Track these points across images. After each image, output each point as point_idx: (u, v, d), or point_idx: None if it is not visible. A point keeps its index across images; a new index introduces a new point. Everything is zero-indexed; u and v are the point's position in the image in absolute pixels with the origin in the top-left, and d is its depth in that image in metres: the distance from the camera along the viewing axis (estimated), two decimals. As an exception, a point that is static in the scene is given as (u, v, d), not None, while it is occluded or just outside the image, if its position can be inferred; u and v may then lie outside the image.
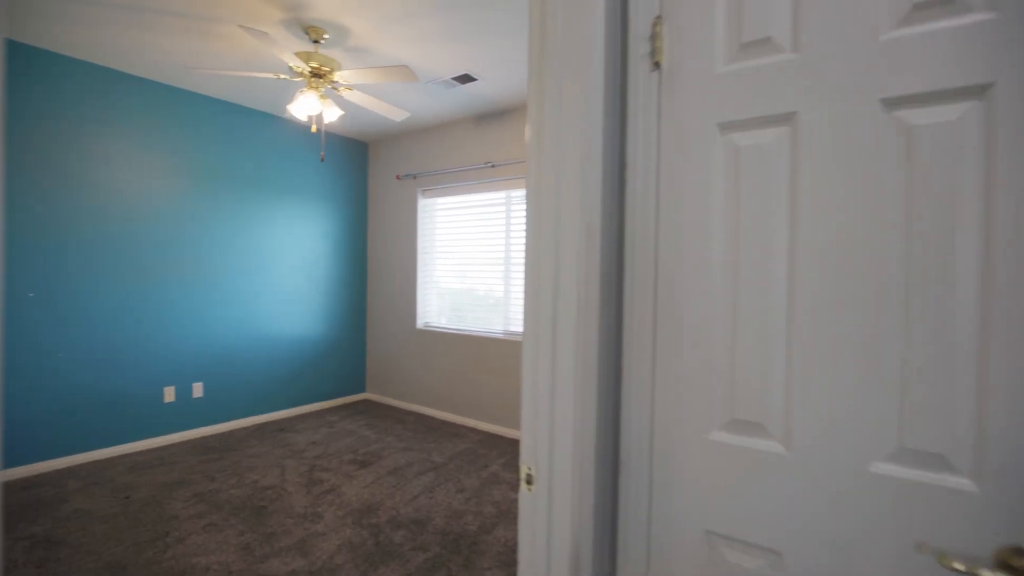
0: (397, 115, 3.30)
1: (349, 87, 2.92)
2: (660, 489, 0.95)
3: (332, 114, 2.96)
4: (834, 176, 0.80)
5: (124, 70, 3.41)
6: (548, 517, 0.91)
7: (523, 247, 4.13)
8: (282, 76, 2.77)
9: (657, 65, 0.97)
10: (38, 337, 3.13)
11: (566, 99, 0.93)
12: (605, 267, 0.95)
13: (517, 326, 4.16)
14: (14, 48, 2.99)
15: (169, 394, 3.73)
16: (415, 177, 4.76)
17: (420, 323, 4.82)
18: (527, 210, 0.98)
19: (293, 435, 4.00)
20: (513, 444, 3.90)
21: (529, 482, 0.94)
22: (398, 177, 4.92)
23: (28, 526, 2.51)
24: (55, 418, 3.20)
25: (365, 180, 5.24)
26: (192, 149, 3.81)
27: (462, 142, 4.43)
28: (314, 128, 3.07)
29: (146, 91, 3.55)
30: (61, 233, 3.21)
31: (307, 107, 2.79)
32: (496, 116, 4.19)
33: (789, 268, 0.84)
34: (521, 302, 4.20)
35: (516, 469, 3.39)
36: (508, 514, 2.75)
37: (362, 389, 5.27)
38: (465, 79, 3.43)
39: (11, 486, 2.94)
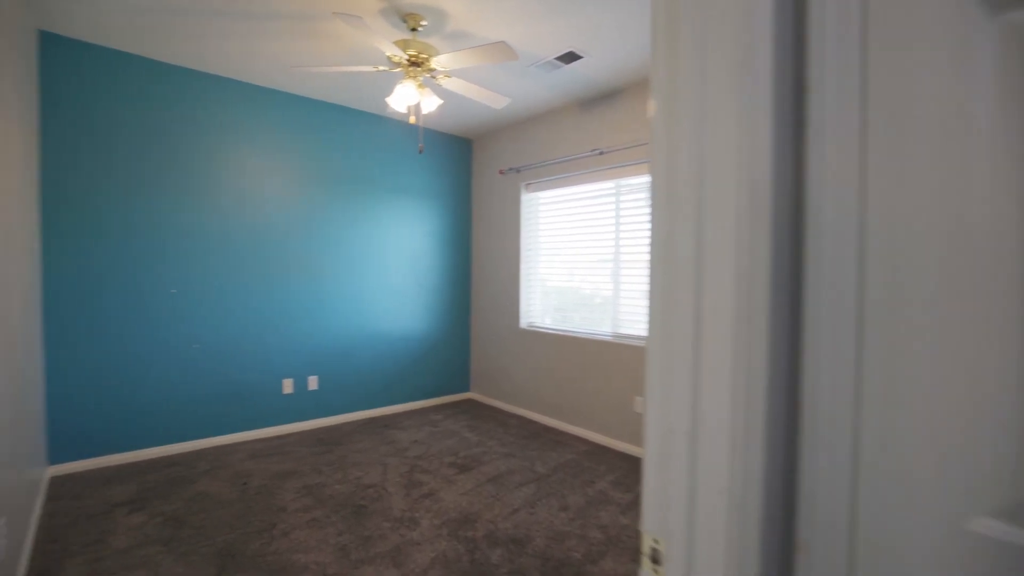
0: (498, 102, 3.12)
1: (447, 74, 2.79)
2: (870, 595, 0.60)
3: (431, 103, 2.86)
4: None
5: (243, 79, 3.64)
6: (685, 620, 0.61)
7: (634, 242, 3.74)
8: (380, 68, 2.72)
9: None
10: (178, 330, 3.43)
11: (713, -3, 0.62)
12: (776, 246, 0.62)
13: (627, 328, 3.78)
14: (148, 67, 3.30)
15: (288, 386, 3.94)
16: (518, 171, 4.59)
17: (524, 323, 4.63)
18: (652, 159, 0.68)
19: (397, 432, 4.02)
20: (622, 458, 3.54)
21: (656, 560, 0.64)
22: (501, 172, 4.78)
23: (162, 504, 2.72)
24: (191, 403, 3.50)
25: (469, 177, 5.18)
26: (303, 151, 3.98)
27: (567, 130, 4.15)
28: (412, 119, 2.99)
29: (261, 97, 3.76)
30: (193, 234, 3.49)
31: (405, 97, 2.70)
32: (603, 99, 3.85)
33: None
34: (632, 301, 3.79)
35: (627, 488, 3.04)
36: (617, 542, 2.43)
37: (466, 388, 5.22)
38: (569, 58, 3.15)
39: (155, 463, 3.24)
